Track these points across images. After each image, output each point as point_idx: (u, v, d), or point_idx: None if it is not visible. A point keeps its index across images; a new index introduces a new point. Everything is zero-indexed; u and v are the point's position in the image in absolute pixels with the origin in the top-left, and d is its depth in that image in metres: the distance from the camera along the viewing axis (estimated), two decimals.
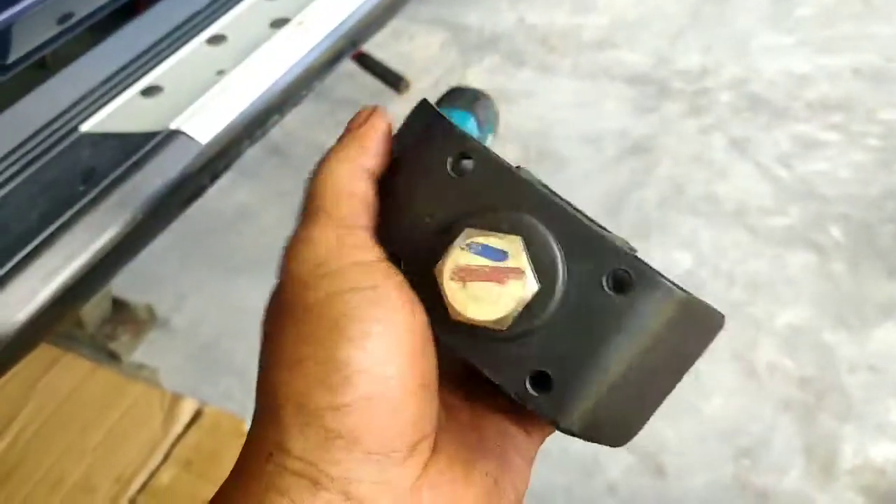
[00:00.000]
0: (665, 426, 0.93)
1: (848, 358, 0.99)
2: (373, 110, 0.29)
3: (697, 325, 0.29)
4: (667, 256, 1.11)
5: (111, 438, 0.88)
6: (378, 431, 0.25)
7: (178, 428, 0.90)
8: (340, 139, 0.29)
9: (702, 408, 0.95)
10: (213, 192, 1.21)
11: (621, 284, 0.27)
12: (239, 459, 0.26)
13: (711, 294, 1.06)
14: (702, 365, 0.92)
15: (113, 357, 0.97)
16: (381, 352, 0.25)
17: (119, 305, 1.01)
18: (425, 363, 0.26)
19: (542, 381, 0.27)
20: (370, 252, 0.27)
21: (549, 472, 0.88)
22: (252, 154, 1.30)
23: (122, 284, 1.03)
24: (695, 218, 1.15)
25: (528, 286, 0.26)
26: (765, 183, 1.20)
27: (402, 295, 0.26)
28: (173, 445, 0.89)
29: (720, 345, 1.00)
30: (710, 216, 1.15)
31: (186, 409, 0.92)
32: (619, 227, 1.14)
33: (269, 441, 0.25)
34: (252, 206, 1.15)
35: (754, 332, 1.02)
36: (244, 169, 1.19)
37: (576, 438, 0.27)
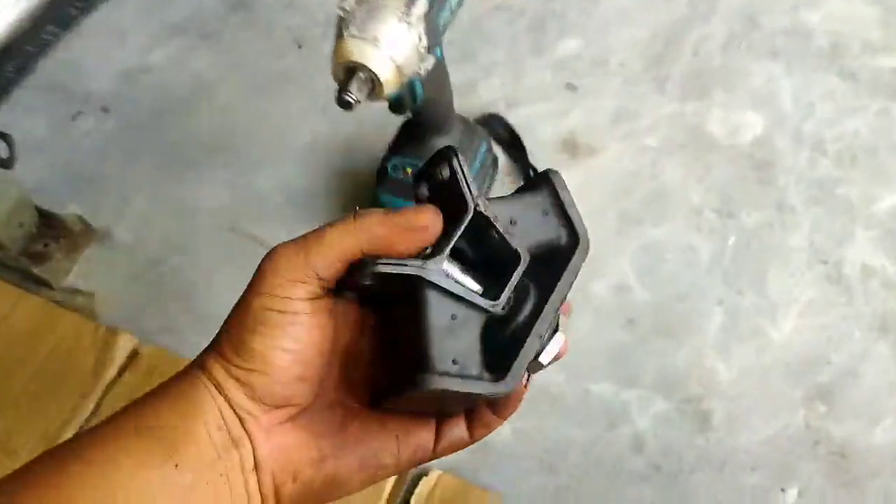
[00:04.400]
0: (715, 359, 0.72)
1: None
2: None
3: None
4: (732, 118, 0.84)
5: (35, 385, 0.74)
6: (261, 388, 0.33)
7: (111, 372, 0.75)
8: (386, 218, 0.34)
9: (766, 332, 0.72)
10: (163, 62, 1.00)
11: None
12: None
13: (791, 170, 0.80)
14: (770, 271, 0.65)
15: (41, 283, 0.82)
16: (283, 350, 0.33)
17: (48, 218, 0.84)
18: (311, 369, 0.34)
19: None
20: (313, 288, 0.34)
21: (564, 424, 0.70)
22: (212, 8, 1.07)
23: (51, 191, 0.85)
24: (771, 62, 0.87)
25: None
26: (873, 6, 0.89)
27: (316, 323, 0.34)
28: (104, 394, 0.74)
29: (793, 243, 0.74)
30: (792, 59, 0.87)
31: (122, 348, 0.76)
32: (669, 80, 0.87)
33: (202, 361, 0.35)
34: (209, 78, 0.93)
35: (846, 223, 0.77)
36: (202, 28, 0.96)
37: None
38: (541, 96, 0.88)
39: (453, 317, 0.34)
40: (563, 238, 0.36)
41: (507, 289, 0.34)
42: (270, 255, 0.34)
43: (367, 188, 0.79)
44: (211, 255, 0.81)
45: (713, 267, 0.76)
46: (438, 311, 0.33)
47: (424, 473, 0.67)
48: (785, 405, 0.69)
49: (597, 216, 0.79)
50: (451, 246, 0.34)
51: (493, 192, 0.81)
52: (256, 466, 0.33)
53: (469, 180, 0.35)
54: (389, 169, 0.74)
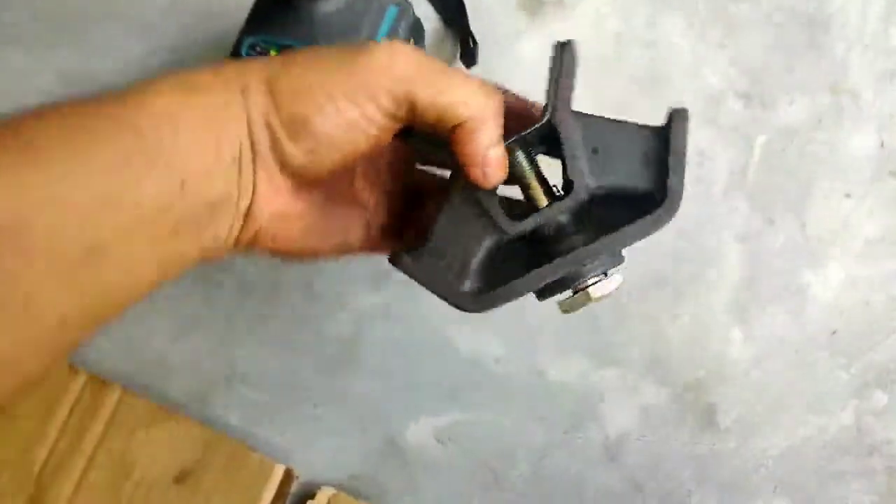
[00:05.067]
0: (728, 326, 0.49)
1: None
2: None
3: None
4: None
5: None
6: (298, 146, 0.31)
7: None
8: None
9: (805, 285, 0.50)
10: None
11: None
12: None
13: (857, 31, 0.54)
14: (816, 190, 0.55)
15: None
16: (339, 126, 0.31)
17: None
18: (349, 157, 0.32)
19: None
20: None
21: (513, 421, 0.49)
22: None
23: None
24: None
25: None
26: None
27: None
28: None
29: (854, 145, 0.51)
30: None
31: None
32: None
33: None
34: None
35: None
36: None
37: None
38: None
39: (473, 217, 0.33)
40: (652, 190, 0.32)
41: (532, 217, 0.33)
42: (387, 47, 0.32)
43: None
44: None
45: (734, 185, 0.52)
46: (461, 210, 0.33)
47: (311, 496, 0.49)
48: (827, 396, 0.48)
49: None
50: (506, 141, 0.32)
51: None
52: (249, 212, 0.32)
53: (559, 83, 0.33)
54: (243, 52, 0.49)
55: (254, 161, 0.32)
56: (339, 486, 0.49)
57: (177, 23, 0.60)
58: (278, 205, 0.33)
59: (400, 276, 0.33)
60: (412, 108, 0.31)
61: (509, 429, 0.50)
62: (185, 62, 0.59)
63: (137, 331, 0.54)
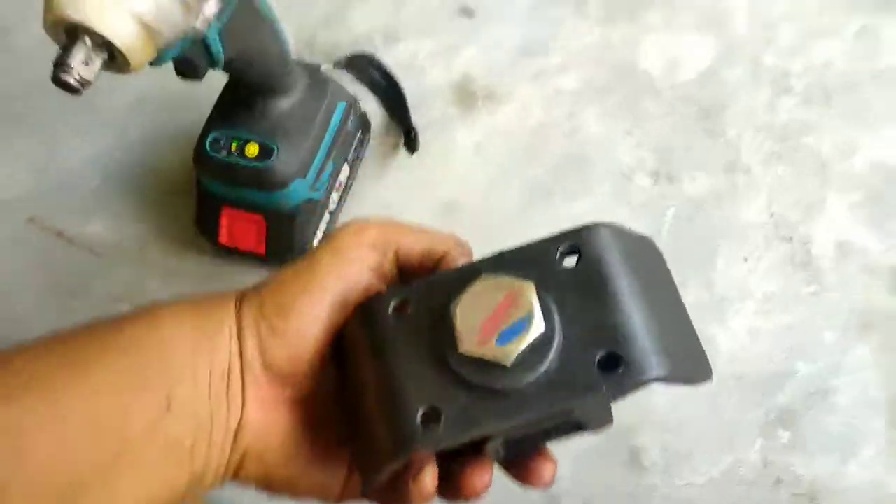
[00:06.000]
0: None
1: None
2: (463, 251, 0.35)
3: (647, 250, 0.34)
4: (671, 47, 0.65)
5: None
6: (282, 349, 0.32)
7: None
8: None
9: (713, 337, 0.56)
10: None
11: (576, 250, 0.31)
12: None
13: (747, 115, 0.63)
14: (718, 254, 0.60)
15: None
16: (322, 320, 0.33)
17: None
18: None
19: (609, 362, 0.29)
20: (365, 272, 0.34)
21: None
22: None
23: None
24: None
25: (536, 328, 0.29)
26: None
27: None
28: None
29: (749, 215, 0.57)
30: None
31: None
32: None
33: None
34: (2, 20, 0.72)
35: (816, 186, 0.60)
36: None
37: None
38: (428, 26, 0.68)
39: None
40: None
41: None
42: (357, 220, 0.34)
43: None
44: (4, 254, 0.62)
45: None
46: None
47: None
48: (737, 435, 0.54)
49: (498, 187, 0.62)
50: None
51: (365, 164, 0.63)
52: (238, 429, 0.32)
53: None
54: (207, 146, 0.55)
55: (241, 370, 0.32)
56: None
57: (145, 116, 0.66)
58: (264, 419, 0.33)
59: None
60: (395, 253, 0.34)
61: None
62: (155, 153, 0.65)
63: None
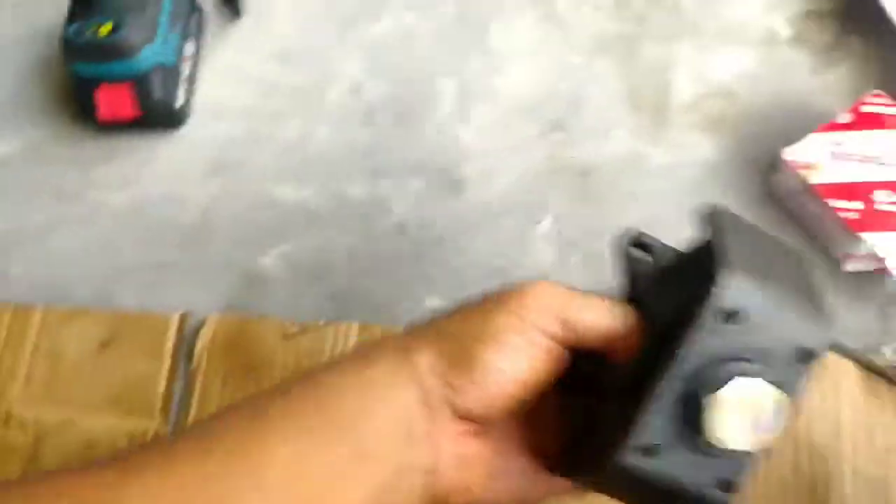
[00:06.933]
0: (457, 126, 0.72)
1: None
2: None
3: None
4: None
5: None
6: (466, 397, 0.33)
7: None
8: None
9: (497, 86, 0.73)
10: None
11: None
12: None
13: None
14: (491, 29, 0.74)
15: None
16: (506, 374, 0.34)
17: None
18: (517, 401, 0.34)
19: (728, 485, 0.33)
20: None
21: (326, 237, 0.70)
22: None
23: None
24: None
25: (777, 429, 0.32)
26: None
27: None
28: None
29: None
30: None
31: None
32: None
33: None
34: None
35: None
36: None
37: None
38: None
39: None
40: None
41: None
42: (533, 283, 0.35)
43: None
44: None
45: (438, 41, 0.75)
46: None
47: (202, 325, 0.66)
48: (526, 145, 0.71)
49: (316, 27, 0.77)
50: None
51: (208, 37, 0.78)
52: (434, 470, 0.34)
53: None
54: (71, 34, 0.69)
55: (430, 417, 0.33)
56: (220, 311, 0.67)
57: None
58: (461, 456, 0.34)
59: None
60: (573, 329, 0.34)
61: (326, 243, 0.70)
62: (23, 55, 0.78)
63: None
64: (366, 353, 0.35)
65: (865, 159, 0.59)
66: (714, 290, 0.31)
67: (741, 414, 0.31)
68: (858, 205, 0.58)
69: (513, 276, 0.67)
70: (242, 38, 0.78)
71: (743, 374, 0.31)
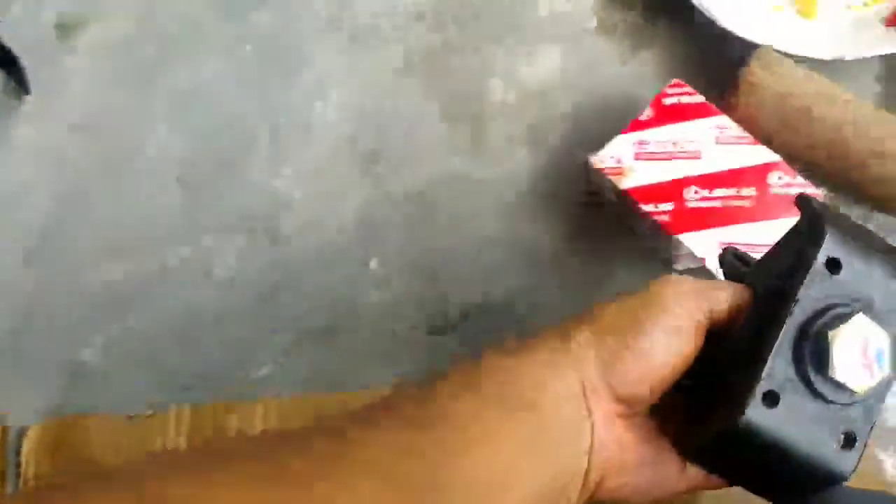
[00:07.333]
0: (274, 173, 0.68)
1: None
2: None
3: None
4: None
5: None
6: (623, 375, 0.36)
7: None
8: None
9: (312, 121, 0.69)
10: None
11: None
12: None
13: None
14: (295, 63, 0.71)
15: None
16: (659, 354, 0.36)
17: None
18: (666, 382, 0.36)
19: (848, 441, 0.34)
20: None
21: (157, 305, 0.66)
22: None
23: None
24: None
25: (888, 371, 0.34)
26: None
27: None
28: None
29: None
30: None
31: None
32: None
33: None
34: None
35: None
36: None
37: None
38: None
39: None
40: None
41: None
42: (668, 279, 0.37)
43: None
44: None
45: (244, 85, 0.71)
46: None
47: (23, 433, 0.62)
48: (347, 180, 0.67)
49: (113, 90, 0.73)
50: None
51: None
52: (591, 449, 0.35)
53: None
54: None
55: (587, 398, 0.35)
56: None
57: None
58: (615, 439, 0.36)
59: None
60: (711, 310, 0.37)
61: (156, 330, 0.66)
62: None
63: None
64: (525, 342, 0.37)
65: (671, 156, 0.57)
66: (821, 241, 0.34)
67: (859, 351, 0.33)
68: (669, 206, 0.56)
69: (353, 313, 0.64)
70: (36, 114, 0.72)
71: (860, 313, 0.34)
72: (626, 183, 0.57)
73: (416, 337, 0.63)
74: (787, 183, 0.56)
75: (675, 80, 0.59)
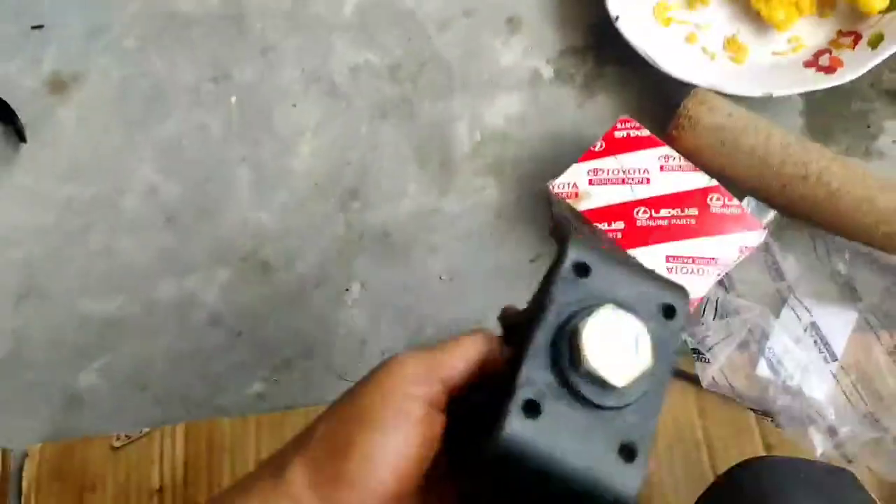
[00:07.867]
0: (256, 212, 0.74)
1: (431, 16, 0.79)
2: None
3: None
4: None
5: None
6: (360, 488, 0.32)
7: None
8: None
9: (290, 166, 0.75)
10: None
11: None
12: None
13: (262, 12, 0.82)
14: (275, 112, 0.77)
15: None
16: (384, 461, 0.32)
17: None
18: (407, 484, 0.33)
19: (627, 452, 0.31)
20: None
21: (143, 343, 0.70)
22: None
23: None
24: None
25: (647, 360, 0.32)
26: None
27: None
28: None
29: (287, 77, 0.74)
30: None
31: None
32: None
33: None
34: None
35: (323, 37, 0.80)
36: None
37: None
38: (8, 49, 0.83)
39: None
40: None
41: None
42: (393, 357, 0.35)
43: None
44: None
45: (227, 133, 0.77)
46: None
47: (25, 456, 0.66)
48: (326, 218, 0.73)
49: (103, 137, 0.78)
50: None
51: None
52: None
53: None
54: None
55: None
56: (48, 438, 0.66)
57: None
58: None
59: None
60: (446, 379, 0.34)
61: (145, 350, 0.70)
62: None
63: None
64: (242, 483, 0.34)
65: (622, 181, 0.64)
66: (566, 249, 0.34)
67: (613, 340, 0.31)
68: (621, 224, 0.62)
69: (331, 345, 0.69)
70: (31, 161, 0.77)
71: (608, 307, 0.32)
72: (581, 205, 0.63)
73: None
74: (724, 204, 0.63)
75: (624, 117, 0.66)
